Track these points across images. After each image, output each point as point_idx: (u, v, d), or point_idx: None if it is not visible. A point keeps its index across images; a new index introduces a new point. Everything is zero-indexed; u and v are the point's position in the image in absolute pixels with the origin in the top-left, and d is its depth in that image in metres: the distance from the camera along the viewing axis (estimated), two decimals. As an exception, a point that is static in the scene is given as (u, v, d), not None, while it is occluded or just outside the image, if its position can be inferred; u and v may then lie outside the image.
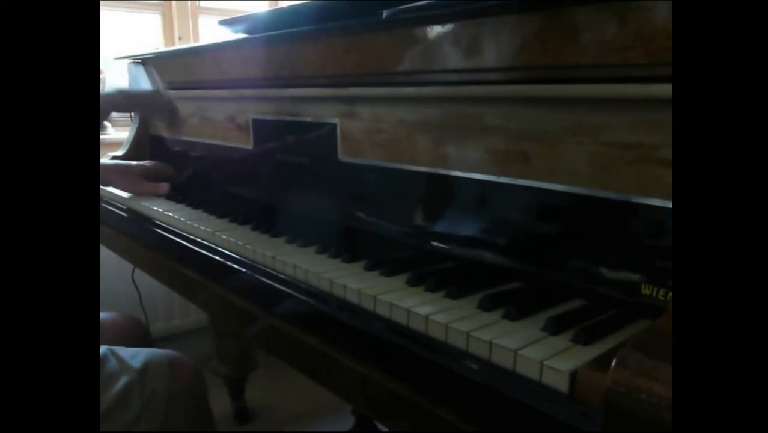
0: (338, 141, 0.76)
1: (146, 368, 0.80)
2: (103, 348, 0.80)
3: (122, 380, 0.77)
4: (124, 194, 1.08)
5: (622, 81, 0.47)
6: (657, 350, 0.32)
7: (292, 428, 1.56)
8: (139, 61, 1.24)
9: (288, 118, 0.84)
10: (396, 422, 0.50)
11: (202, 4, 1.97)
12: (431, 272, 0.58)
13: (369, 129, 0.72)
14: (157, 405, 0.78)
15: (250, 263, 0.68)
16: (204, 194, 1.02)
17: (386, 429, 1.19)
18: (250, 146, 0.93)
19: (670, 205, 0.45)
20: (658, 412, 0.30)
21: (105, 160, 1.20)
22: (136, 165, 1.11)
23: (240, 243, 0.71)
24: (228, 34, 1.05)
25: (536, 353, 0.40)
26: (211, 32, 1.95)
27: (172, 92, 1.16)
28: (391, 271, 0.58)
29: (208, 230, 0.79)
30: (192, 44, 1.85)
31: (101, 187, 1.11)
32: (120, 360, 0.79)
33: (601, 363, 0.37)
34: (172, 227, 0.87)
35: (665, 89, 0.43)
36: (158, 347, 0.93)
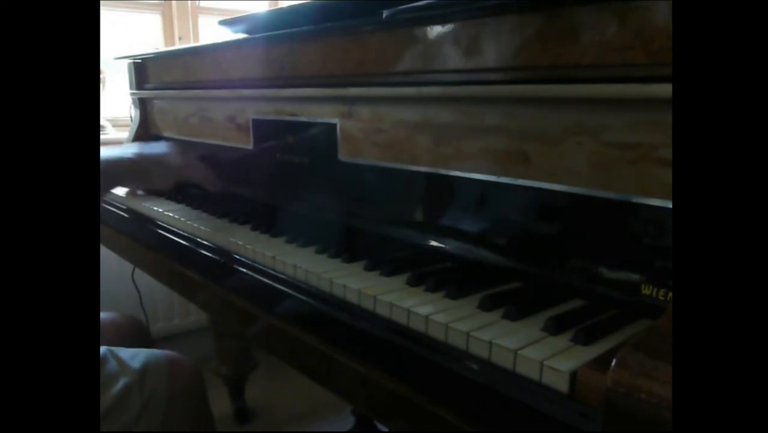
0: (338, 141, 0.76)
1: (146, 368, 0.80)
2: (102, 349, 0.80)
3: (122, 381, 0.77)
4: (124, 194, 1.08)
5: (622, 81, 0.46)
6: (657, 350, 0.32)
7: (292, 428, 1.56)
8: (139, 60, 1.24)
9: (288, 118, 0.84)
10: (396, 422, 0.50)
11: (202, 4, 1.96)
12: (431, 272, 0.58)
13: (369, 129, 0.71)
14: (156, 405, 0.78)
15: (250, 263, 0.69)
16: (204, 194, 1.02)
17: (386, 429, 1.19)
18: (250, 146, 0.93)
19: (670, 205, 0.45)
20: (658, 412, 0.30)
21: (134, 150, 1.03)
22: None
23: (240, 243, 0.71)
24: (228, 34, 1.05)
25: (536, 353, 0.40)
26: (211, 32, 1.95)
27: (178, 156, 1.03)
28: (391, 271, 0.58)
29: (208, 230, 0.79)
30: (192, 44, 1.85)
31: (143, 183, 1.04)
32: (120, 361, 0.80)
33: (601, 363, 0.37)
34: (172, 227, 0.87)
35: (665, 89, 0.43)
36: (158, 347, 0.93)
